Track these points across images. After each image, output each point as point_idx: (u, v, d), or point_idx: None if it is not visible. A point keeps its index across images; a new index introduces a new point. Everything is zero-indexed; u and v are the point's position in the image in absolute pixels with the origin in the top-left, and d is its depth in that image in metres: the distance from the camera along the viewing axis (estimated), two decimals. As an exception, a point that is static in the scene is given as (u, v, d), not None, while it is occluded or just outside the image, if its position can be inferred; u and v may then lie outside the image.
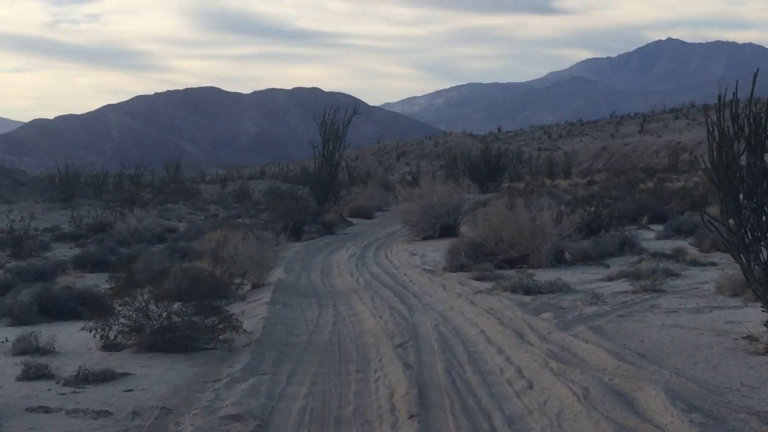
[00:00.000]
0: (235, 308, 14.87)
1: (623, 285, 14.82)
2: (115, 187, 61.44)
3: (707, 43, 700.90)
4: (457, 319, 12.93)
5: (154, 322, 11.39)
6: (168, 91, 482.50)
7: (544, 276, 15.87)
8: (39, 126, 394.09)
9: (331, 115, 45.91)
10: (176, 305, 11.88)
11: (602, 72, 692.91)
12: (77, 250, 26.51)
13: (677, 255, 17.77)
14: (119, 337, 11.52)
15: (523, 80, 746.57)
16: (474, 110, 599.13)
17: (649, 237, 22.76)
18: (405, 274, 19.49)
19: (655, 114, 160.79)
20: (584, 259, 18.75)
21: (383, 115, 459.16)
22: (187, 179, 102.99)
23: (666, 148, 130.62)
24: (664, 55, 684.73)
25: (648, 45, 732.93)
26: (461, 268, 18.21)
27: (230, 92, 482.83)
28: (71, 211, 41.70)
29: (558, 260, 18.41)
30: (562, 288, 14.61)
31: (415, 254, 23.33)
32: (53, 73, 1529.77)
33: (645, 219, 25.98)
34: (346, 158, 72.75)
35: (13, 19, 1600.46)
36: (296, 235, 31.38)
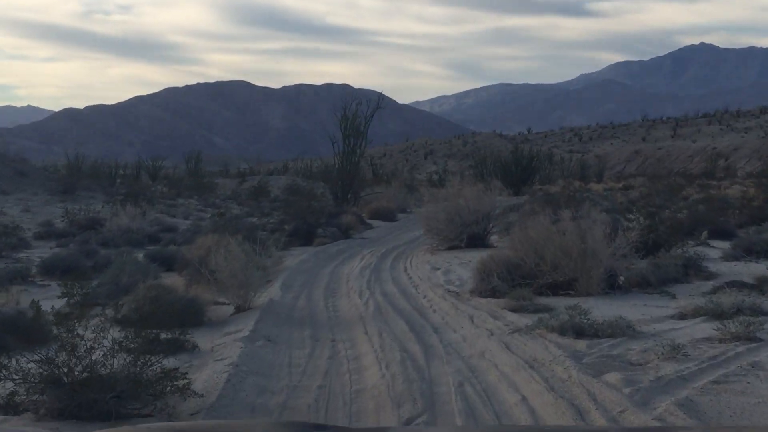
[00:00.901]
0: (205, 341, 11.67)
1: (704, 327, 11.46)
2: (129, 180, 58.33)
3: (741, 49, 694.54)
4: (489, 375, 9.63)
5: (70, 373, 8.13)
6: (198, 84, 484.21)
7: (598, 309, 12.58)
8: (69, 115, 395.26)
9: (352, 110, 42.72)
10: (120, 336, 8.62)
11: (634, 75, 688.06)
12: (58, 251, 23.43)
13: (762, 285, 14.30)
14: (21, 394, 8.25)
15: (554, 82, 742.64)
16: (504, 111, 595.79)
17: (714, 256, 19.37)
18: (425, 297, 16.17)
19: (688, 118, 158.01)
20: (641, 285, 15.41)
21: (412, 113, 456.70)
22: (208, 173, 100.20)
23: (701, 153, 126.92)
24: (697, 60, 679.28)
25: (681, 49, 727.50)
26: (493, 292, 14.85)
27: (260, 86, 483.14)
28: (69, 204, 38.72)
29: (611, 286, 15.07)
30: (626, 330, 11.24)
31: (438, 268, 20.08)
32: (85, 63, 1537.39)
33: (704, 234, 22.44)
34: (372, 155, 69.65)
35: (46, 9, 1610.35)
36: (307, 239, 28.26)
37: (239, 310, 14.37)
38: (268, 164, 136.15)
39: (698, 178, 71.61)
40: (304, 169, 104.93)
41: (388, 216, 39.62)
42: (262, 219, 35.78)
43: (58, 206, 37.36)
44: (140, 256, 20.50)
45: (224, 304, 15.06)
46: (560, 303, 13.27)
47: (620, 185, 69.17)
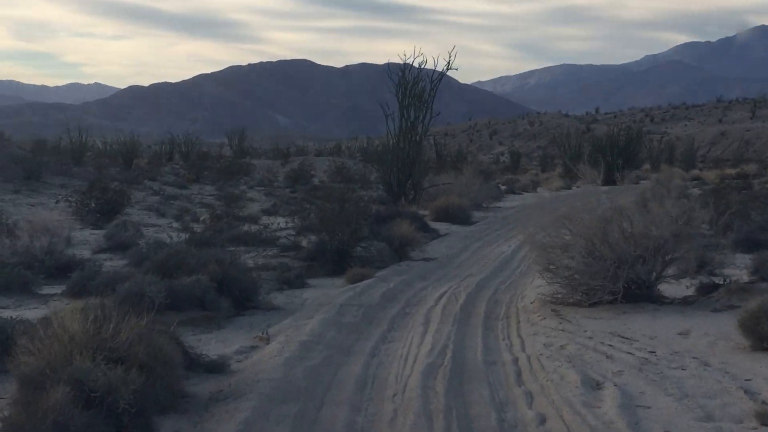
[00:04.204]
0: None
1: None
2: (127, 162, 47.79)
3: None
4: None
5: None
6: (261, 62, 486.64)
7: None
8: (134, 93, 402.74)
9: (413, 73, 31.56)
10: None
11: (701, 56, 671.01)
12: None
13: None
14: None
15: (618, 62, 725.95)
16: (567, 92, 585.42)
17: None
18: None
19: (766, 99, 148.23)
20: None
21: (474, 93, 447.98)
22: (255, 151, 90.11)
23: None
24: (766, 41, 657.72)
25: (750, 30, 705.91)
26: None
27: (322, 65, 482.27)
28: (26, 196, 28.26)
29: None
30: None
31: (599, 384, 9.09)
32: (150, 41, 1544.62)
33: None
34: (434, 134, 58.55)
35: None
36: (338, 264, 17.54)
37: None
38: (329, 142, 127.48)
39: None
40: (360, 148, 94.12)
41: (460, 216, 28.62)
42: (280, 219, 24.95)
43: (6, 200, 26.96)
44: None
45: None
46: None
47: (734, 172, 57.45)
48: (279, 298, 14.61)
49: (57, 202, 25.83)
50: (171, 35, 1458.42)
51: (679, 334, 10.84)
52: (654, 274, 12.83)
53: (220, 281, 13.16)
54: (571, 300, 13.09)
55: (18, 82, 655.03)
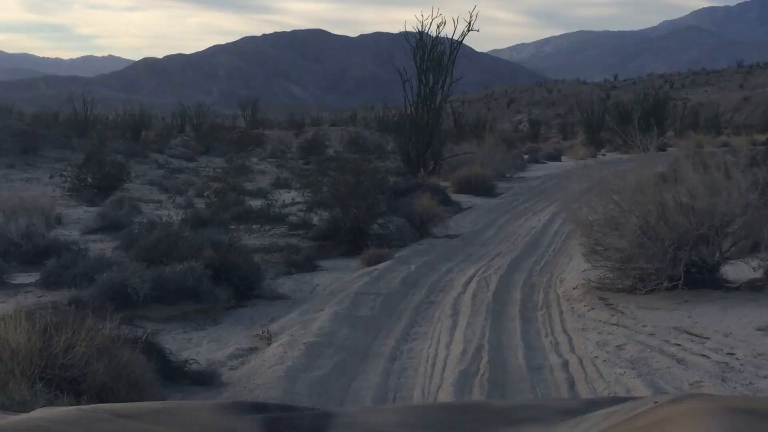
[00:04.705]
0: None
1: None
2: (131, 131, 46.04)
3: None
4: None
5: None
6: (275, 32, 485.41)
7: None
8: (148, 65, 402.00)
9: (431, 36, 29.58)
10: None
11: (719, 22, 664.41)
12: None
13: None
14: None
15: (635, 29, 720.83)
16: (584, 58, 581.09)
17: None
18: None
19: None
20: None
21: (491, 61, 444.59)
22: (269, 122, 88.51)
23: None
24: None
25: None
26: None
27: (337, 35, 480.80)
28: (20, 171, 26.62)
29: None
30: None
31: (656, 372, 7.48)
32: (164, 12, 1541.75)
33: None
34: (451, 103, 56.55)
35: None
36: (353, 244, 15.85)
37: None
38: (344, 112, 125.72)
39: None
40: (375, 118, 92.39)
41: (483, 188, 26.80)
42: (292, 193, 23.19)
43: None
44: None
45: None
46: None
47: (765, 137, 55.32)
48: (286, 284, 12.92)
49: (51, 177, 24.16)
50: (185, 6, 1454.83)
51: (759, 330, 9.08)
52: (717, 254, 11.03)
53: (217, 268, 11.46)
54: (621, 286, 11.32)
55: (32, 55, 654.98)
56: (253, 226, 17.13)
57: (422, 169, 29.21)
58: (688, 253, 10.54)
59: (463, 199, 24.77)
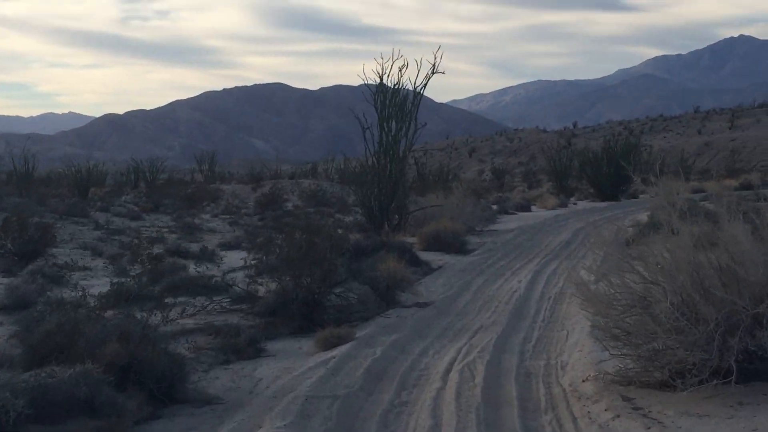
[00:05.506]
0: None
1: None
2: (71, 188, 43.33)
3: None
4: None
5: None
6: (236, 87, 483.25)
7: None
8: (109, 121, 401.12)
9: (393, 80, 27.03)
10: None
11: (673, 69, 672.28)
12: None
13: None
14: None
15: (591, 77, 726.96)
16: (542, 107, 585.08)
17: None
18: None
19: (744, 109, 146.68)
20: None
21: (450, 111, 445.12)
22: (223, 176, 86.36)
23: None
24: (736, 52, 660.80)
25: (720, 42, 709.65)
26: None
27: (298, 88, 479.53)
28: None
29: None
30: None
31: None
32: (124, 69, 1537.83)
33: None
34: (415, 153, 54.14)
35: (85, 16, 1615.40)
36: (307, 320, 13.28)
37: None
38: (306, 165, 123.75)
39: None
40: (337, 169, 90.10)
41: (454, 244, 24.21)
42: (242, 254, 20.44)
43: None
44: None
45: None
46: None
47: (738, 183, 53.36)
48: (221, 379, 10.28)
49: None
50: (145, 62, 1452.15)
51: None
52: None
53: (124, 368, 8.80)
54: (649, 380, 8.75)
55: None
56: (190, 301, 14.41)
57: (386, 224, 26.63)
58: (740, 340, 7.99)
59: (433, 257, 22.19)
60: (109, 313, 11.41)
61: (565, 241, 26.14)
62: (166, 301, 13.97)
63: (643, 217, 30.28)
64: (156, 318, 12.11)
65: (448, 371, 10.51)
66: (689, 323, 8.18)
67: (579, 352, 10.96)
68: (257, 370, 10.83)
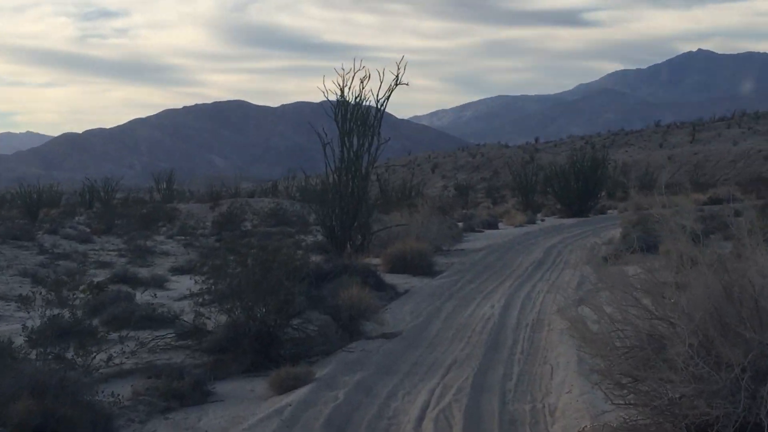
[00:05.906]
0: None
1: None
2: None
3: (738, 54, 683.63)
4: None
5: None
6: (196, 104, 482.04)
7: None
8: (68, 140, 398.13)
9: (354, 92, 25.64)
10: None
11: (632, 84, 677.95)
12: None
13: None
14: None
15: (552, 92, 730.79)
16: (503, 123, 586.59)
17: None
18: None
19: (704, 123, 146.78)
20: None
21: (411, 128, 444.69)
22: (182, 194, 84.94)
23: (744, 157, 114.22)
24: (695, 67, 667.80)
25: (678, 56, 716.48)
26: None
27: (258, 105, 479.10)
28: None
29: None
30: None
31: None
32: (83, 87, 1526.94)
33: None
34: (377, 169, 52.80)
35: (42, 35, 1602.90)
36: (262, 355, 11.87)
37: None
38: (266, 183, 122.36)
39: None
40: (298, 188, 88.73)
41: (420, 266, 22.87)
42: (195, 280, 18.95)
43: None
44: None
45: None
46: None
47: (707, 197, 52.43)
48: (160, 433, 8.82)
49: None
50: (104, 81, 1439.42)
51: None
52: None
53: (38, 429, 7.35)
54: (663, 433, 7.40)
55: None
56: (132, 335, 12.93)
57: (349, 245, 25.25)
58: (770, 387, 6.69)
59: (399, 280, 20.85)
60: (32, 354, 10.00)
61: (538, 261, 24.85)
62: (100, 336, 12.46)
63: (616, 233, 29.15)
64: (90, 359, 10.62)
65: (420, 419, 9.15)
66: (710, 369, 6.85)
67: (568, 394, 9.65)
68: (202, 420, 9.41)
